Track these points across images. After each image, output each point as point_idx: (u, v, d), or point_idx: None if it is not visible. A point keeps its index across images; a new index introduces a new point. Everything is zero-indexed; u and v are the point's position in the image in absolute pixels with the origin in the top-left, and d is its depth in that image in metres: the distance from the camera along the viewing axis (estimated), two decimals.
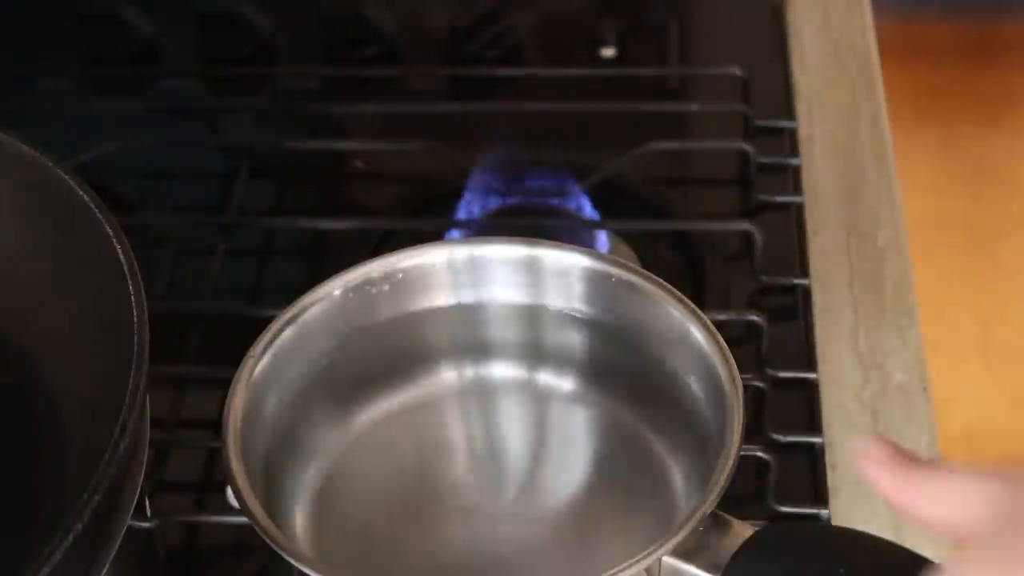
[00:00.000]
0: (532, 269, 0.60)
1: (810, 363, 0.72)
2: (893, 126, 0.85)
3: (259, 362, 0.57)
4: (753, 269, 0.75)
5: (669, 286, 0.58)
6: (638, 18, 0.93)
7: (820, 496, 0.65)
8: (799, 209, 0.78)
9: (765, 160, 0.80)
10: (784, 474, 0.64)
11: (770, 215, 0.78)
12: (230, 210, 0.81)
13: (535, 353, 0.61)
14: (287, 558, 0.50)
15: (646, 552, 0.49)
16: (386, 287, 0.60)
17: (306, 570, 0.50)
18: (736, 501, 0.66)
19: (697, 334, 0.56)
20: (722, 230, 0.78)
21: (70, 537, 0.44)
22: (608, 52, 0.91)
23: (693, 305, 0.57)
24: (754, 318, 0.70)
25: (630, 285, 0.58)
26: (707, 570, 0.50)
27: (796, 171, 0.81)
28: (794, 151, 0.82)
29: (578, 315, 0.60)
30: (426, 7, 0.96)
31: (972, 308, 1.80)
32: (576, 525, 0.55)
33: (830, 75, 0.88)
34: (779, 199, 0.78)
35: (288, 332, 0.58)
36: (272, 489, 0.55)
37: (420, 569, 0.55)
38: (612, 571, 0.48)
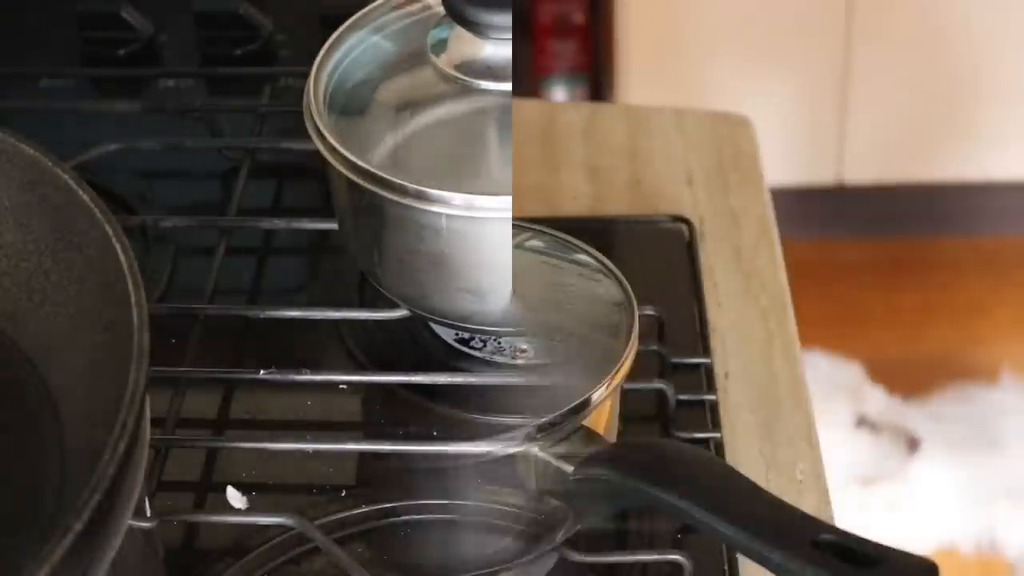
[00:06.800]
0: None
1: None
2: (818, 347, 0.81)
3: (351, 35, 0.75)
4: None
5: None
6: None
7: None
8: (718, 445, 0.75)
9: (683, 397, 0.77)
10: None
11: None
12: (230, 210, 0.81)
13: None
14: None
15: (518, 441, 0.64)
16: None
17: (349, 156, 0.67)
18: None
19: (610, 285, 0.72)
20: None
21: (70, 537, 0.44)
22: None
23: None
24: (677, 557, 0.66)
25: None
26: (568, 463, 0.64)
27: (713, 407, 0.78)
28: (711, 387, 0.79)
29: None
30: None
31: None
32: None
33: (743, 310, 0.85)
34: (698, 435, 0.75)
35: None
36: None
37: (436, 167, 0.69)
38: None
